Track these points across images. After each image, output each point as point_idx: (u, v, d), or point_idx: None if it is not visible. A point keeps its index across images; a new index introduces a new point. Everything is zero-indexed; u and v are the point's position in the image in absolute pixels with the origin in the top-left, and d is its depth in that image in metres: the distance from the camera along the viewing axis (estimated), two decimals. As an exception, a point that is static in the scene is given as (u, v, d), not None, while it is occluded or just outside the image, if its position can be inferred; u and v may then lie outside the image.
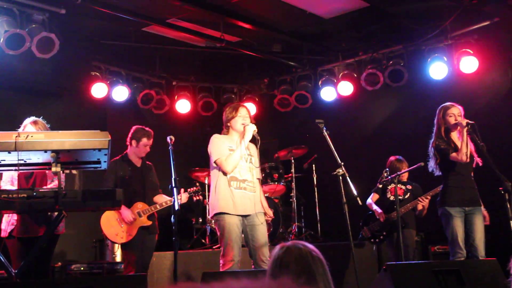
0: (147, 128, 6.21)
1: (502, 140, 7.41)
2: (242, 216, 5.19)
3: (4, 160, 3.84)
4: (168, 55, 8.93)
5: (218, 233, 5.24)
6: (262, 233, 5.20)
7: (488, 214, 5.98)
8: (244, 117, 5.35)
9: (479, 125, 5.57)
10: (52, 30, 6.76)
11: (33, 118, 5.20)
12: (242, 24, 7.75)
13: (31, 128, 5.02)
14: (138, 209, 6.00)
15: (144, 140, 6.12)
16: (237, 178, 5.23)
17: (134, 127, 6.22)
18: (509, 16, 7.42)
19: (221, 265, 5.13)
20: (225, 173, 5.21)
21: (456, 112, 5.76)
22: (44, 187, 5.18)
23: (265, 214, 5.37)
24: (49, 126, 5.25)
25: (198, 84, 9.62)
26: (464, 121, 5.60)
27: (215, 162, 5.26)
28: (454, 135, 5.80)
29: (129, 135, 6.17)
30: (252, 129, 5.26)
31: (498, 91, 7.97)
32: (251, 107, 9.54)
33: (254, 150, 5.46)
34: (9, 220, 5.07)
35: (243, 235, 5.26)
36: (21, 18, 6.61)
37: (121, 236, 5.93)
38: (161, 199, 6.16)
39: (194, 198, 6.55)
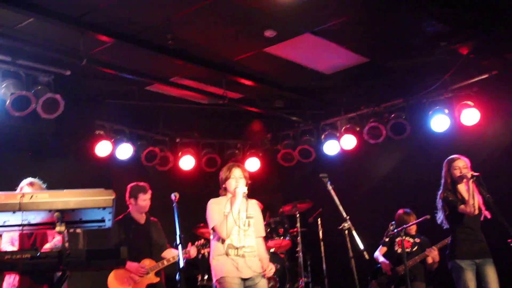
0: (140, 183, 6.22)
1: (506, 191, 7.37)
2: (243, 279, 5.10)
3: (8, 221, 3.82)
4: (171, 113, 9.02)
5: None
6: None
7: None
8: (238, 178, 5.24)
9: (483, 176, 5.56)
10: (57, 91, 6.87)
11: (29, 180, 5.22)
12: (244, 81, 7.86)
13: (27, 190, 5.02)
14: (145, 268, 5.93)
15: (141, 195, 6.13)
16: (234, 246, 5.12)
17: (129, 186, 6.24)
18: (507, 70, 7.53)
19: None
20: (223, 241, 5.13)
21: (461, 165, 5.78)
22: (47, 244, 5.15)
23: (264, 271, 5.23)
24: (45, 186, 5.25)
25: (202, 141, 9.68)
26: (469, 173, 5.61)
27: (212, 229, 5.22)
28: (462, 188, 5.80)
29: (127, 195, 6.19)
30: (241, 192, 5.15)
31: (500, 142, 7.99)
32: (255, 162, 9.57)
33: (254, 208, 5.35)
34: (10, 282, 5.00)
35: None
36: (27, 80, 6.73)
37: (129, 294, 5.85)
38: (170, 254, 6.11)
39: (202, 251, 6.49)
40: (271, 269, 5.26)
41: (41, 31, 6.23)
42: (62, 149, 8.15)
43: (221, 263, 5.12)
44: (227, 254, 5.10)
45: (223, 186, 5.31)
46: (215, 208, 5.22)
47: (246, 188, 5.21)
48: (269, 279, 5.91)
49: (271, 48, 7.01)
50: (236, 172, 5.26)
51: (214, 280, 5.21)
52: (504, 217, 5.28)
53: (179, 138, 9.46)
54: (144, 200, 6.12)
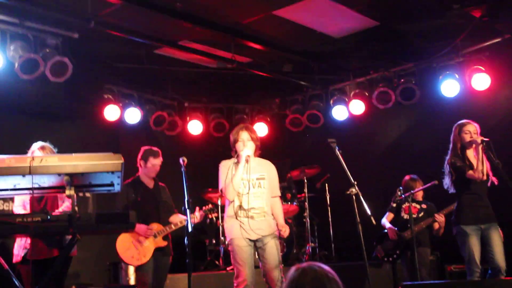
0: (154, 148, 6.23)
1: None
2: (252, 240, 5.19)
3: (19, 184, 3.86)
4: (180, 77, 8.99)
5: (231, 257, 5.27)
6: (272, 254, 5.16)
7: (502, 232, 5.91)
8: (246, 141, 5.27)
9: (493, 142, 5.53)
10: (66, 54, 6.84)
11: (40, 143, 5.23)
12: (253, 45, 7.79)
13: (38, 154, 5.04)
14: (153, 230, 6.00)
15: (151, 159, 6.14)
16: (243, 207, 5.20)
17: (142, 149, 6.26)
18: (520, 33, 7.41)
19: (234, 286, 5.12)
20: (234, 202, 5.22)
21: (472, 130, 5.73)
22: (56, 210, 5.20)
23: (280, 231, 5.32)
24: (56, 150, 5.27)
25: (210, 105, 9.67)
26: (479, 138, 5.57)
27: (220, 190, 5.33)
28: (470, 153, 5.76)
29: (138, 157, 6.20)
30: (244, 155, 5.20)
31: (511, 108, 7.92)
32: (263, 127, 9.56)
33: (267, 168, 5.39)
34: (22, 244, 5.08)
35: (257, 257, 5.27)
36: (35, 43, 6.70)
37: (137, 258, 5.93)
38: (177, 219, 6.16)
39: (209, 216, 6.56)
40: (285, 230, 5.30)
41: (49, -7, 6.18)
42: (70, 113, 8.17)
43: (230, 225, 5.23)
44: (236, 216, 5.19)
45: (234, 148, 5.36)
46: (224, 171, 5.27)
47: (250, 151, 5.24)
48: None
49: (280, 11, 6.92)
50: (244, 135, 5.28)
51: (227, 240, 5.40)
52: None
53: (188, 103, 9.45)
54: (153, 164, 6.14)
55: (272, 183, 5.39)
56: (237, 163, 5.25)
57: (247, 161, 5.21)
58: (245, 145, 5.24)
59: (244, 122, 9.69)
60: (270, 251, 5.17)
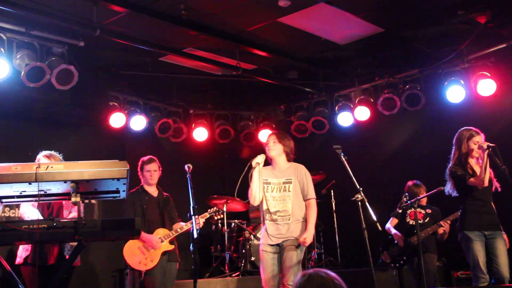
0: (147, 156, 6.28)
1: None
2: (275, 245, 5.29)
3: (25, 191, 3.88)
4: (185, 84, 9.02)
5: None
6: (288, 257, 5.20)
7: (507, 238, 5.89)
8: (270, 142, 5.46)
9: (499, 148, 5.52)
10: (71, 62, 6.89)
11: (47, 152, 5.25)
12: (258, 52, 7.81)
13: (45, 162, 5.05)
14: (159, 235, 6.04)
15: (145, 166, 6.20)
16: (269, 211, 5.36)
17: (140, 160, 6.31)
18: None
19: None
20: (263, 207, 5.40)
21: (480, 141, 5.74)
22: (62, 217, 5.22)
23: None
24: (61, 156, 5.29)
25: (215, 112, 9.69)
26: (485, 144, 5.56)
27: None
28: (473, 161, 5.78)
29: (138, 168, 6.26)
30: (253, 162, 5.36)
31: (516, 113, 7.90)
32: (268, 134, 9.54)
33: (296, 172, 5.43)
34: (25, 247, 5.10)
35: None
36: (41, 51, 6.75)
37: (144, 263, 5.96)
38: (179, 226, 6.19)
39: (214, 217, 6.58)
40: (305, 238, 5.23)
41: (55, 2, 6.21)
42: (76, 121, 8.20)
43: (262, 230, 5.47)
44: (264, 220, 5.40)
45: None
46: (255, 176, 5.41)
47: (261, 158, 5.38)
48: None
49: (285, 18, 6.94)
50: (268, 139, 5.51)
51: None
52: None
53: (193, 110, 9.47)
54: (147, 171, 6.17)
55: (302, 186, 5.41)
56: (270, 169, 5.46)
57: (256, 167, 5.36)
58: (268, 148, 5.43)
59: (250, 128, 9.71)
60: (287, 255, 5.21)
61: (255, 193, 5.33)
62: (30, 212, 5.08)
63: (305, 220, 5.35)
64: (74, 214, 5.19)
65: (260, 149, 5.76)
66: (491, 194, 5.74)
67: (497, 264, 5.52)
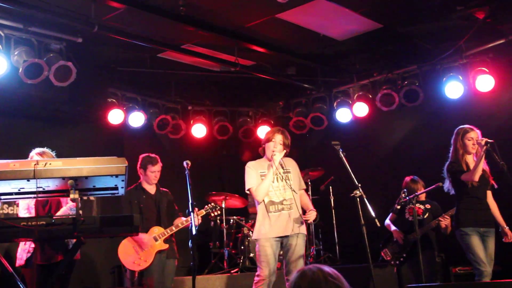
0: (152, 155, 6.28)
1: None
2: (279, 237, 5.35)
3: (23, 188, 3.87)
4: (183, 80, 9.01)
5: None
6: (296, 253, 5.34)
7: (510, 232, 5.91)
8: (278, 143, 5.49)
9: (497, 143, 5.53)
10: (69, 58, 6.87)
11: (39, 149, 5.23)
12: (256, 48, 7.80)
13: (37, 159, 5.03)
14: (154, 234, 6.03)
15: (150, 167, 6.19)
16: (274, 202, 5.42)
17: (140, 157, 6.29)
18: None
19: (254, 281, 5.33)
20: (263, 200, 5.43)
21: (474, 136, 5.78)
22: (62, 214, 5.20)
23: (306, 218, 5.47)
24: (54, 153, 5.27)
25: (214, 108, 9.69)
26: (483, 140, 5.58)
27: (247, 191, 5.52)
28: (470, 158, 5.82)
29: (138, 165, 6.25)
30: (277, 158, 5.42)
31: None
32: (266, 131, 9.53)
33: (290, 164, 5.60)
34: (25, 248, 5.08)
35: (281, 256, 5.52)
36: (39, 47, 6.73)
37: (138, 263, 5.96)
38: (178, 221, 6.18)
39: (212, 213, 6.59)
40: (310, 215, 5.46)
41: (52, -2, 6.20)
42: (74, 117, 8.18)
43: (260, 224, 5.44)
44: (267, 211, 5.40)
45: (263, 145, 5.61)
46: (252, 173, 5.51)
47: (282, 155, 5.46)
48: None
49: (283, 14, 6.93)
50: (277, 137, 5.52)
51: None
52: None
53: (191, 106, 9.47)
54: (152, 172, 6.18)
55: (298, 177, 5.62)
56: (269, 164, 5.48)
57: (282, 166, 5.47)
58: (275, 146, 5.46)
59: (248, 125, 9.71)
60: (295, 251, 5.34)
61: (266, 190, 5.41)
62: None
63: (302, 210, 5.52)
64: (71, 204, 5.15)
65: (259, 145, 5.74)
66: (486, 191, 5.79)
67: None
